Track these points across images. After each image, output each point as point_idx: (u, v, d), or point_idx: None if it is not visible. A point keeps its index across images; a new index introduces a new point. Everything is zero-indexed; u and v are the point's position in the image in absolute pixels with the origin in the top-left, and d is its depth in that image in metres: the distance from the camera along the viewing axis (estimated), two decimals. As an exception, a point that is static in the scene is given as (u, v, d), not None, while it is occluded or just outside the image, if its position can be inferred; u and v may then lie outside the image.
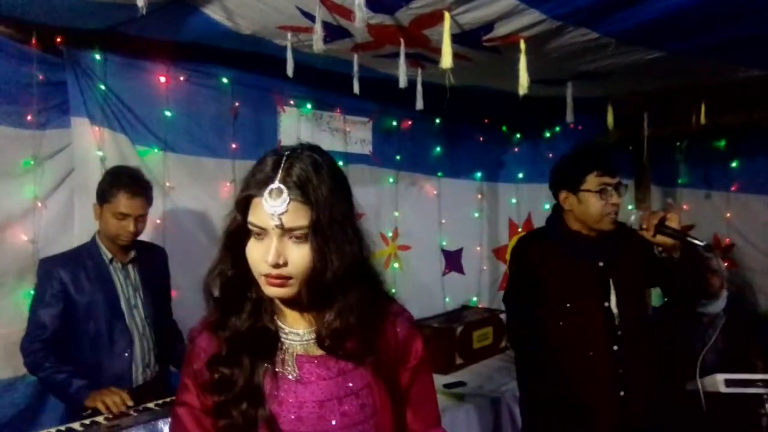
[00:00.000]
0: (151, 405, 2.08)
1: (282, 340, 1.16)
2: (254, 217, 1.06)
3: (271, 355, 1.14)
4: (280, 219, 1.03)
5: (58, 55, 2.63)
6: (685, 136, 4.26)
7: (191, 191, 3.06)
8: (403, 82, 2.42)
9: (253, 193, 1.06)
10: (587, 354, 2.18)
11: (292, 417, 1.11)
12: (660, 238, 2.02)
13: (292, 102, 3.44)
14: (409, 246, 3.87)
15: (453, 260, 4.25)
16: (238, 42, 2.69)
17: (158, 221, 2.87)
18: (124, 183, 2.27)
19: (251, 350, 1.12)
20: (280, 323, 1.17)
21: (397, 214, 3.85)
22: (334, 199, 1.08)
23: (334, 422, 1.11)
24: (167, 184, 2.95)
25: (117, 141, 2.79)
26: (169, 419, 1.88)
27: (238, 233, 1.09)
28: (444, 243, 4.21)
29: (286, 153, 1.08)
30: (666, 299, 3.82)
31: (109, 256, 2.34)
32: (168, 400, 2.10)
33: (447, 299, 4.15)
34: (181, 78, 3.01)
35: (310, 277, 1.07)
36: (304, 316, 1.17)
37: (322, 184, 1.07)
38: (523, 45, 2.25)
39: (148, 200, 2.36)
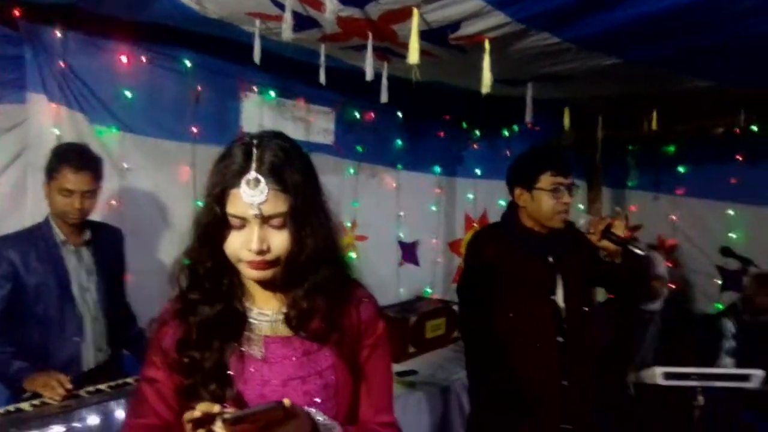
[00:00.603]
0: (103, 387, 2.07)
1: (249, 320, 1.19)
2: (233, 208, 1.08)
3: (238, 336, 1.17)
4: (260, 208, 1.06)
5: (14, 29, 2.55)
6: (636, 140, 4.43)
7: (149, 173, 3.02)
8: (369, 75, 2.45)
9: (229, 185, 1.08)
10: (534, 345, 2.26)
11: (257, 395, 1.15)
12: (604, 243, 2.16)
13: (255, 88, 3.41)
14: (367, 236, 3.90)
15: (409, 252, 4.31)
16: (203, 26, 2.66)
17: (114, 202, 2.83)
18: (68, 158, 2.21)
19: (220, 334, 1.15)
20: (248, 305, 1.20)
21: (356, 204, 3.88)
22: (308, 183, 1.13)
23: (296, 400, 1.13)
24: (125, 165, 2.91)
25: (74, 119, 2.73)
26: (122, 400, 1.91)
27: (215, 225, 1.11)
28: (401, 235, 4.26)
29: (255, 142, 1.11)
30: (610, 296, 3.99)
31: (62, 237, 2.29)
32: (120, 382, 2.10)
33: (401, 290, 4.20)
34: (143, 59, 2.96)
35: (287, 260, 1.11)
36: (275, 296, 1.20)
37: (296, 170, 1.11)
38: (487, 45, 2.31)
39: (96, 176, 2.29)
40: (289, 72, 3.33)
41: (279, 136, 1.16)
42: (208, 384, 1.12)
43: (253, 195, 1.06)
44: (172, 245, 3.07)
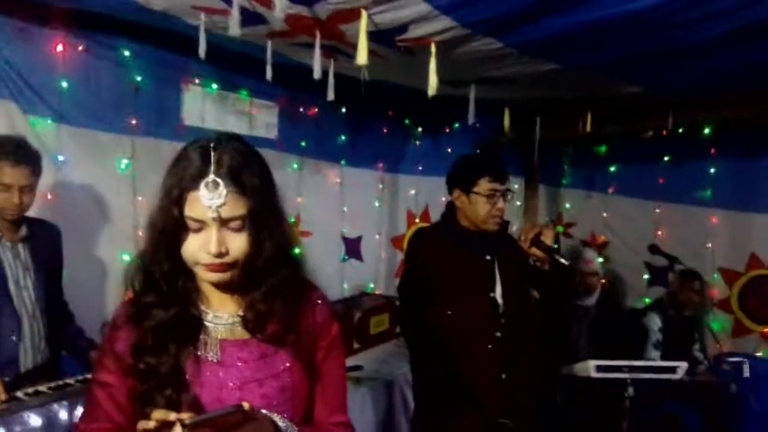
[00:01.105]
0: (42, 388, 2.00)
1: (205, 324, 1.19)
2: (191, 211, 1.08)
3: (194, 340, 1.17)
4: (218, 211, 1.06)
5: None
6: (571, 141, 4.59)
7: (86, 166, 2.92)
8: (317, 74, 2.45)
9: (187, 187, 1.08)
10: (473, 340, 2.32)
11: (214, 398, 1.15)
12: (534, 251, 2.26)
13: (197, 81, 3.35)
14: (311, 232, 3.90)
15: (353, 247, 4.33)
16: (145, 17, 2.60)
17: (49, 196, 2.72)
18: (6, 151, 2.12)
19: (176, 338, 1.15)
20: (203, 308, 1.20)
21: (300, 200, 3.88)
22: (265, 186, 1.14)
23: (254, 403, 1.14)
24: (60, 157, 2.81)
25: (6, 109, 2.61)
26: (65, 402, 1.86)
27: (172, 227, 1.10)
28: (345, 230, 4.28)
29: (212, 144, 1.11)
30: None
31: (-3, 234, 2.21)
32: (61, 383, 2.04)
33: (345, 285, 4.23)
34: (80, 47, 2.85)
35: (245, 262, 1.11)
36: (232, 298, 1.20)
37: (254, 173, 1.12)
38: (434, 48, 2.35)
39: (35, 171, 2.22)
40: (231, 64, 3.29)
41: (236, 138, 1.17)
42: (163, 389, 1.11)
43: (211, 198, 1.06)
44: (110, 240, 3.00)
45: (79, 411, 1.85)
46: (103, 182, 2.97)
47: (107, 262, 2.99)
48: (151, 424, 0.95)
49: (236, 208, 1.08)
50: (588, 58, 2.64)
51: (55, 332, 2.37)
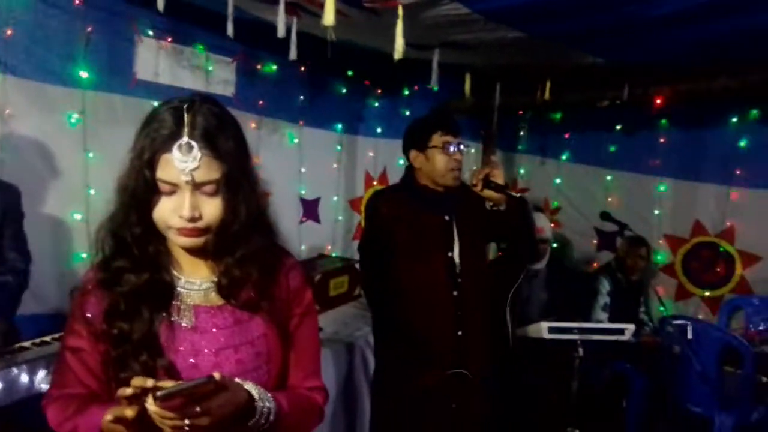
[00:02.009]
0: (-4, 352, 1.95)
1: (178, 290, 1.18)
2: (164, 173, 1.06)
3: (167, 305, 1.15)
4: (192, 174, 1.04)
5: None
6: (529, 107, 4.64)
7: (34, 120, 2.78)
8: (281, 32, 2.39)
9: (160, 149, 1.05)
10: (430, 298, 2.37)
11: (189, 364, 1.14)
12: (487, 193, 2.27)
13: (150, 32, 3.22)
14: (268, 193, 3.84)
15: (310, 209, 4.30)
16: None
17: (-5, 152, 2.61)
18: None
19: (148, 303, 1.13)
20: (176, 273, 1.19)
21: (257, 160, 3.81)
22: (240, 151, 1.12)
23: (229, 369, 1.15)
24: (6, 111, 2.67)
25: (-54, 58, 2.48)
26: (24, 366, 1.82)
27: (143, 190, 1.07)
28: (302, 192, 4.24)
29: (185, 105, 1.08)
30: (499, 253, 4.23)
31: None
32: (16, 347, 1.99)
33: (303, 247, 4.21)
34: (27, -7, 2.70)
35: (219, 228, 1.10)
36: (205, 263, 1.19)
37: (229, 137, 1.10)
38: (401, 11, 2.31)
39: None
40: (188, 16, 3.17)
41: (210, 100, 1.14)
42: (138, 355, 1.10)
43: (185, 161, 1.04)
44: (60, 198, 2.90)
45: (40, 374, 1.82)
46: (52, 138, 2.84)
47: (57, 220, 2.90)
48: (129, 391, 0.94)
49: (210, 172, 1.06)
50: (553, 28, 2.66)
51: None
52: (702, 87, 3.66)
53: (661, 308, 3.64)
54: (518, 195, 2.36)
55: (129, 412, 0.95)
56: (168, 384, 0.96)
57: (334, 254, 4.38)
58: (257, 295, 1.19)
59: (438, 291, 2.38)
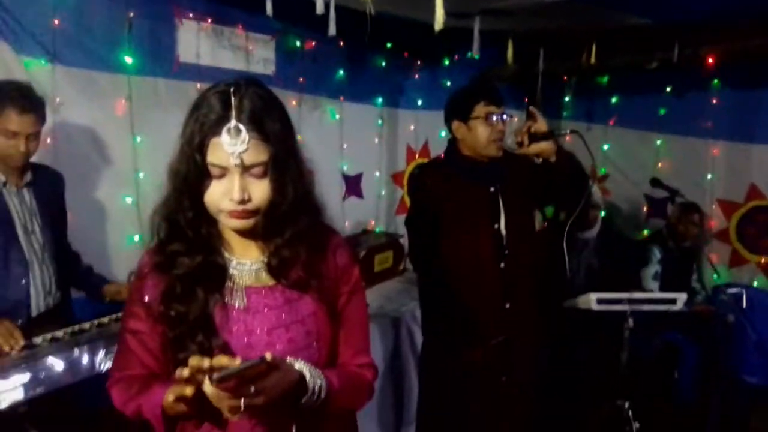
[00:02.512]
0: (59, 333, 2.03)
1: (230, 271, 1.20)
2: (214, 157, 1.08)
3: (220, 287, 1.19)
4: (241, 157, 1.06)
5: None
6: (574, 72, 4.51)
7: (83, 107, 2.86)
8: (320, 8, 2.39)
9: (209, 133, 1.07)
10: (478, 270, 2.37)
11: (243, 344, 1.18)
12: (534, 147, 2.19)
13: (191, 15, 3.24)
14: (313, 172, 3.86)
15: (353, 185, 4.31)
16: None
17: (48, 140, 2.68)
18: (12, 98, 2.09)
19: (203, 285, 1.16)
20: (227, 255, 1.21)
21: (299, 137, 3.82)
22: (286, 132, 1.14)
23: (281, 348, 1.18)
24: (57, 99, 2.74)
25: (-1, 50, 2.55)
26: (85, 347, 1.90)
27: (195, 174, 1.10)
28: (344, 168, 4.25)
29: (232, 89, 1.10)
30: (545, 223, 4.17)
31: (3, 179, 2.18)
32: (76, 328, 2.07)
33: (346, 223, 4.23)
34: (70, -18, 2.75)
35: (268, 209, 1.12)
36: (255, 244, 1.21)
37: (275, 119, 1.11)
38: (441, -21, 2.27)
39: (41, 118, 2.19)
40: (226, -3, 3.19)
41: (255, 83, 1.15)
42: (195, 335, 1.14)
43: (234, 144, 1.06)
44: (110, 182, 2.98)
45: (100, 354, 1.90)
46: (100, 123, 2.92)
47: (107, 204, 2.99)
48: (186, 372, 0.97)
49: (258, 154, 1.08)
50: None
51: (65, 275, 2.39)
52: (755, 44, 3.48)
53: (715, 276, 3.53)
54: (568, 131, 2.35)
55: (188, 391, 0.99)
56: (223, 361, 0.99)
57: (377, 229, 4.39)
58: (306, 274, 1.21)
59: (485, 264, 2.37)
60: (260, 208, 1.11)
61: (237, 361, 0.99)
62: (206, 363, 0.98)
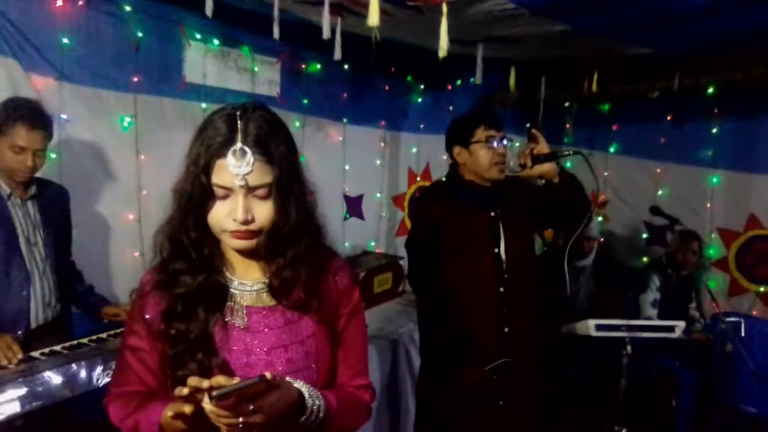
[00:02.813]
0: (57, 348, 2.03)
1: (231, 291, 1.22)
2: (219, 178, 1.10)
3: (221, 306, 1.20)
4: (245, 179, 1.08)
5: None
6: (576, 99, 4.55)
7: (89, 125, 2.89)
8: (326, 34, 2.42)
9: (215, 155, 1.10)
10: (477, 295, 2.37)
11: (242, 363, 1.18)
12: (537, 169, 2.23)
13: (198, 36, 3.29)
14: (313, 192, 3.88)
15: (354, 206, 4.34)
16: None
17: (53, 155, 2.71)
18: (22, 114, 2.14)
19: (204, 304, 1.17)
20: (229, 275, 1.23)
21: (302, 158, 3.85)
22: (290, 155, 1.15)
23: (280, 368, 1.19)
24: (63, 116, 2.78)
25: (8, 67, 2.57)
26: (83, 362, 1.90)
27: (199, 194, 1.12)
28: (346, 189, 4.28)
29: (238, 113, 1.12)
30: (546, 248, 4.17)
31: (8, 191, 2.20)
32: (75, 343, 2.08)
33: (347, 244, 4.25)
34: (80, 3, 2.79)
35: (271, 230, 1.13)
36: (257, 265, 1.23)
37: (280, 141, 1.13)
38: (445, 8, 2.31)
39: (48, 134, 2.24)
40: (233, 19, 3.23)
41: (261, 107, 1.18)
42: (194, 354, 1.14)
43: (239, 166, 1.08)
44: (113, 199, 3.00)
45: (98, 369, 1.90)
46: (105, 141, 2.95)
47: (111, 221, 3.01)
48: (185, 391, 0.98)
49: (263, 176, 1.10)
50: (598, 20, 2.63)
51: (65, 289, 2.40)
52: (756, 74, 3.53)
53: (715, 303, 3.53)
54: (571, 153, 2.35)
55: (187, 409, 1.00)
56: (221, 380, 1.00)
57: (377, 251, 4.40)
58: (307, 296, 1.22)
59: (484, 288, 2.38)
60: (263, 228, 1.13)
61: (235, 380, 1.00)
62: (205, 384, 0.98)
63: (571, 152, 2.38)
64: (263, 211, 1.12)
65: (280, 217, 1.13)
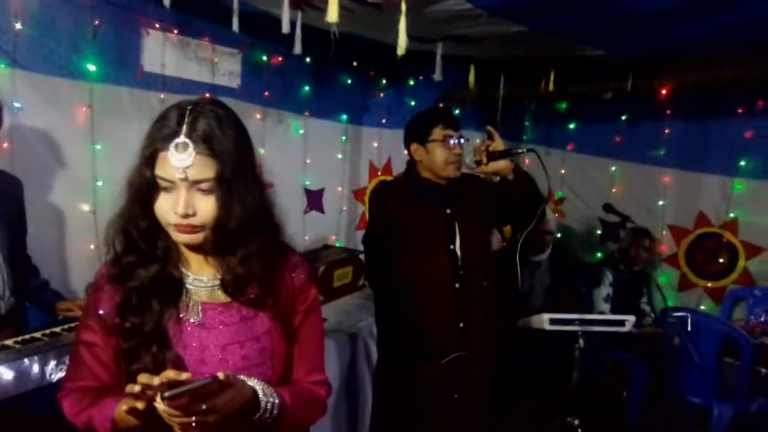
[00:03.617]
0: (9, 342, 1.99)
1: (186, 286, 1.22)
2: (161, 171, 1.10)
3: (176, 301, 1.20)
4: (186, 172, 1.08)
5: None
6: (533, 98, 4.64)
7: (43, 113, 2.82)
8: (285, 28, 2.42)
9: (159, 147, 1.10)
10: (433, 290, 2.41)
11: (196, 359, 1.19)
12: (492, 165, 2.29)
13: (157, 25, 3.23)
14: (273, 184, 3.83)
15: (314, 200, 4.34)
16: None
17: (5, 144, 2.64)
18: None
19: (158, 297, 1.17)
20: (184, 270, 1.23)
21: (262, 151, 3.82)
22: (237, 151, 1.15)
23: (235, 364, 1.20)
24: (16, 104, 2.71)
25: (-44, 53, 2.51)
26: (36, 356, 1.87)
27: (146, 186, 1.12)
28: (307, 182, 4.27)
29: (189, 107, 1.12)
30: (504, 244, 4.24)
31: (-44, 184, 2.15)
32: (28, 337, 2.04)
33: (307, 237, 4.25)
34: (35, -13, 2.73)
35: (216, 226, 1.13)
36: (208, 261, 1.23)
37: (226, 137, 1.13)
38: (404, 6, 2.33)
39: None
40: (193, 9, 3.20)
41: (215, 102, 1.18)
42: (149, 347, 1.15)
43: (180, 158, 1.08)
44: (67, 190, 2.94)
45: (51, 364, 1.88)
46: (60, 130, 2.88)
47: (65, 211, 2.95)
48: (137, 388, 0.98)
49: (205, 170, 1.10)
50: (554, 22, 2.69)
51: (20, 283, 2.34)
52: (707, 77, 3.65)
53: (663, 299, 3.66)
54: (524, 150, 2.48)
55: (140, 405, 1.00)
56: (171, 374, 1.00)
57: (338, 244, 4.41)
58: (262, 293, 1.23)
59: (440, 283, 2.42)
60: (205, 223, 1.13)
61: (185, 375, 1.01)
62: (155, 380, 0.99)
63: (525, 150, 2.44)
64: (205, 206, 1.12)
65: (223, 213, 1.12)
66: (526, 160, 5.24)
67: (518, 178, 2.32)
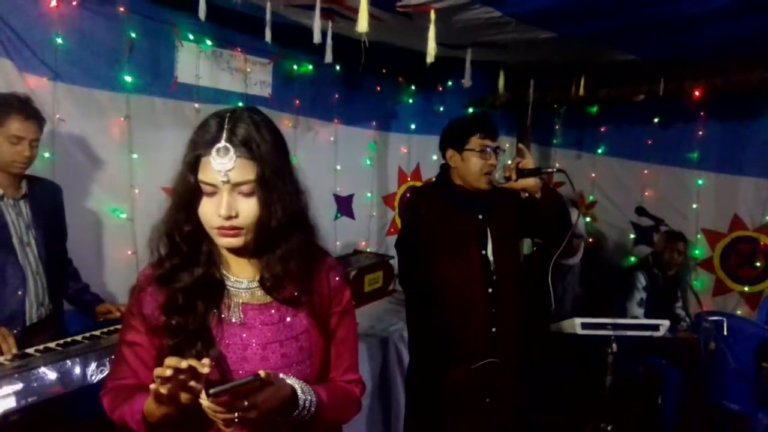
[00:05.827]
0: (51, 345, 2.06)
1: (227, 288, 1.26)
2: (204, 175, 1.15)
3: (218, 302, 1.25)
4: (228, 175, 1.13)
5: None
6: (564, 102, 4.61)
7: (82, 124, 2.92)
8: (317, 38, 2.46)
9: (202, 153, 1.15)
10: (466, 295, 2.41)
11: (238, 357, 1.23)
12: (521, 182, 2.28)
13: (191, 37, 3.32)
14: (304, 192, 3.90)
15: (345, 205, 4.38)
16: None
17: (46, 154, 2.74)
18: (15, 106, 2.19)
19: (202, 298, 1.22)
20: (225, 273, 1.27)
21: (293, 158, 3.87)
22: (275, 154, 1.19)
23: (274, 362, 1.24)
24: (57, 116, 2.81)
25: (2, 67, 2.60)
26: (77, 358, 1.94)
27: (189, 191, 1.17)
28: (337, 188, 4.32)
29: (228, 114, 1.17)
30: (534, 248, 4.23)
31: (0, 192, 2.24)
32: (69, 340, 2.11)
33: (338, 243, 4.29)
34: (74, 3, 2.82)
35: (257, 227, 1.17)
36: (249, 263, 1.27)
37: (264, 141, 1.17)
38: (433, 15, 2.35)
39: (41, 126, 2.29)
40: (226, 21, 3.26)
41: (251, 109, 1.23)
42: (193, 344, 1.19)
43: (222, 162, 1.12)
44: (106, 198, 3.03)
45: (92, 366, 1.94)
46: (98, 140, 2.98)
47: (104, 220, 3.03)
48: (168, 372, 1.02)
49: (245, 173, 1.14)
50: (584, 28, 2.68)
51: (58, 288, 2.43)
52: (738, 80, 3.59)
53: (698, 303, 3.60)
54: (554, 169, 2.42)
55: (163, 389, 1.04)
56: (193, 362, 1.03)
57: (368, 250, 4.45)
58: (299, 291, 1.27)
59: (473, 288, 2.42)
60: (248, 225, 1.17)
61: (206, 366, 1.04)
62: (183, 363, 1.02)
63: (555, 169, 2.43)
64: (247, 208, 1.16)
65: (265, 213, 1.16)
66: (558, 165, 5.25)
67: (546, 196, 2.32)
